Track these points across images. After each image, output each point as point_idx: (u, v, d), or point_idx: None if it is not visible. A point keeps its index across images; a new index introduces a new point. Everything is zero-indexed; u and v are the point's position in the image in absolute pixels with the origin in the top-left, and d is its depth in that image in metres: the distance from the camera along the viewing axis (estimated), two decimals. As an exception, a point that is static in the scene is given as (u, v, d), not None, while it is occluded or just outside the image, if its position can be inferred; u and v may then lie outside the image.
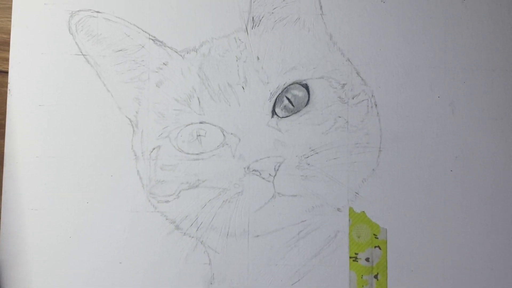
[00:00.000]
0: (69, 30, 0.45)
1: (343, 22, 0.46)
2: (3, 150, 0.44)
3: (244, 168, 0.45)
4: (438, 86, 0.46)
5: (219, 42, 0.46)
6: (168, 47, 0.45)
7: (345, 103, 0.46)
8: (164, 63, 0.45)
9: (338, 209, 0.45)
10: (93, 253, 0.44)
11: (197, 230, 0.45)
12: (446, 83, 0.46)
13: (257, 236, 0.45)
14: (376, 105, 0.46)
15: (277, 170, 0.45)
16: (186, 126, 0.45)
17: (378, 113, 0.46)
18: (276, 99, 0.45)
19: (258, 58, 0.46)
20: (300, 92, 0.45)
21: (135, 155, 0.45)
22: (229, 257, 0.45)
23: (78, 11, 0.45)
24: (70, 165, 0.44)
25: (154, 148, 0.45)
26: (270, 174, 0.45)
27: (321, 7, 0.46)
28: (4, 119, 0.44)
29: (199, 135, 0.45)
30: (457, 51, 0.46)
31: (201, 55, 0.45)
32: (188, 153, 0.45)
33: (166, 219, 0.45)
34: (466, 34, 0.47)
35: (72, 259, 0.44)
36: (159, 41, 0.45)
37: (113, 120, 0.45)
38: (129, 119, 0.45)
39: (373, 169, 0.45)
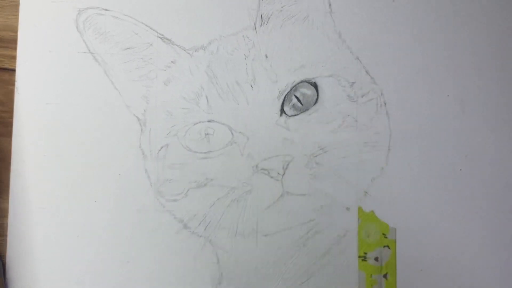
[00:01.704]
0: (77, 28, 0.45)
1: (352, 20, 0.46)
2: (11, 148, 0.44)
3: (253, 166, 0.44)
4: (448, 85, 0.46)
5: (228, 40, 0.45)
6: (176, 45, 0.45)
7: (354, 101, 0.45)
8: (172, 61, 0.45)
9: (347, 209, 0.45)
10: (100, 252, 0.44)
11: (205, 229, 0.44)
12: (456, 81, 0.46)
13: (266, 235, 0.45)
14: (385, 103, 0.46)
15: (286, 169, 0.44)
16: (194, 124, 0.45)
17: (387, 111, 0.46)
18: (284, 97, 0.45)
19: (266, 56, 0.45)
20: (308, 91, 0.45)
21: (143, 154, 0.44)
22: (238, 257, 0.44)
23: (86, 8, 0.45)
24: (78, 163, 0.44)
25: (162, 147, 0.45)
26: (278, 173, 0.44)
27: (330, 5, 0.46)
28: (11, 117, 0.44)
29: (207, 134, 0.45)
30: (467, 49, 0.46)
31: (209, 53, 0.45)
32: (196, 152, 0.45)
33: (174, 218, 0.44)
34: (476, 32, 0.46)
35: (80, 258, 0.44)
36: (167, 39, 0.45)
37: (121, 118, 0.45)
38: (137, 117, 0.45)
39: (382, 168, 0.45)
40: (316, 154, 0.45)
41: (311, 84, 0.45)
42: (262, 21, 0.46)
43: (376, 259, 0.45)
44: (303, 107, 0.45)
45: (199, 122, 0.45)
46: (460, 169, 0.45)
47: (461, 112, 0.46)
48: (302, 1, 0.46)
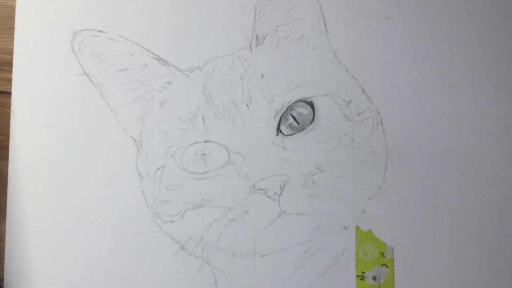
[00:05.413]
0: (72, 50, 0.45)
1: (348, 39, 0.46)
2: (7, 171, 0.44)
3: (250, 187, 0.44)
4: (444, 103, 0.46)
5: (223, 61, 0.45)
6: (172, 66, 0.45)
7: (351, 120, 0.45)
8: (168, 82, 0.45)
9: (345, 228, 0.45)
10: (98, 275, 0.44)
11: (202, 250, 0.44)
12: (452, 100, 0.46)
13: (263, 255, 0.44)
14: (381, 122, 0.46)
15: (283, 188, 0.44)
16: (191, 145, 0.45)
17: (383, 130, 0.45)
18: (281, 117, 0.45)
19: (262, 76, 0.45)
20: (305, 110, 0.45)
21: (140, 175, 0.44)
22: (235, 277, 0.44)
23: (81, 30, 0.45)
24: (75, 186, 0.44)
25: (158, 168, 0.44)
26: (275, 193, 0.44)
27: (325, 24, 0.46)
28: (7, 140, 0.44)
29: (204, 154, 0.45)
30: (462, 67, 0.46)
31: (205, 73, 0.45)
32: (193, 173, 0.45)
33: (171, 239, 0.44)
34: (471, 50, 0.46)
35: (77, 280, 0.44)
36: (163, 60, 0.45)
37: (117, 140, 0.45)
38: (133, 139, 0.45)
39: (379, 187, 0.45)
40: (313, 173, 0.45)
41: (307, 103, 0.45)
42: (257, 41, 0.46)
43: (374, 278, 0.45)
44: (300, 126, 0.45)
45: (196, 142, 0.45)
46: (457, 187, 0.45)
47: (457, 130, 0.46)
48: (297, 20, 0.46)
